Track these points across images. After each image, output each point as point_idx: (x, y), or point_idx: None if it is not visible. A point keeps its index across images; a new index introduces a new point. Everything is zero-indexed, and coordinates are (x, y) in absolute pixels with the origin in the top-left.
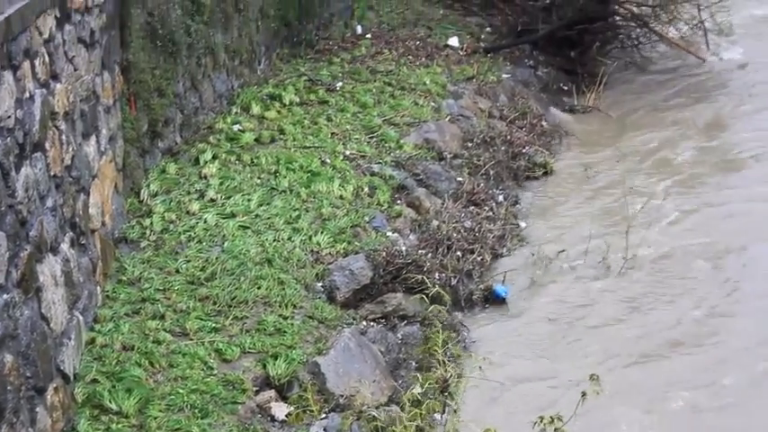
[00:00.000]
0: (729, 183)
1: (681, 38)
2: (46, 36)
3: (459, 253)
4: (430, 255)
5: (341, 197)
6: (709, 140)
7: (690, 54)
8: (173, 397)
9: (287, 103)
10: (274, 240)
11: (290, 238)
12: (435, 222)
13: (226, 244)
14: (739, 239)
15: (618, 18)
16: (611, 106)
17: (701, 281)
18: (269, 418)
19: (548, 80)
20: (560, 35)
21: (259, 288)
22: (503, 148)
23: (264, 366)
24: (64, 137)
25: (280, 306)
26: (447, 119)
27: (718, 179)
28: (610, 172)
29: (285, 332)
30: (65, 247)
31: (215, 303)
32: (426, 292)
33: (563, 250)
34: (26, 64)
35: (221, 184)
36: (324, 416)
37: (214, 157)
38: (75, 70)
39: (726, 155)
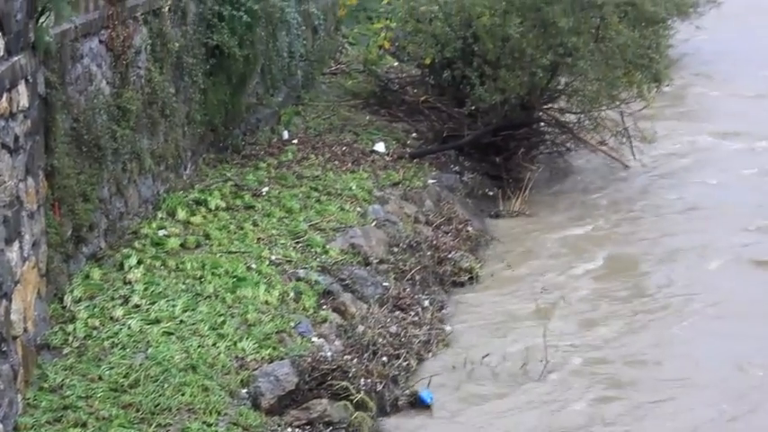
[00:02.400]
0: (646, 285)
1: (604, 143)
2: None
3: (384, 358)
4: (355, 360)
5: (266, 302)
6: (627, 246)
7: (614, 160)
8: None
9: (213, 208)
10: (199, 346)
11: (214, 344)
12: (361, 327)
13: (150, 350)
14: (654, 349)
15: (542, 124)
16: (538, 211)
17: (620, 384)
18: None
19: (473, 185)
20: (486, 141)
21: (183, 395)
22: (429, 253)
23: None
24: None
25: (204, 413)
26: (373, 224)
27: (636, 281)
28: (534, 276)
29: None
30: None
31: (138, 411)
32: (351, 398)
33: (487, 354)
34: None
35: (146, 289)
36: None
37: (139, 263)
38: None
39: (643, 260)
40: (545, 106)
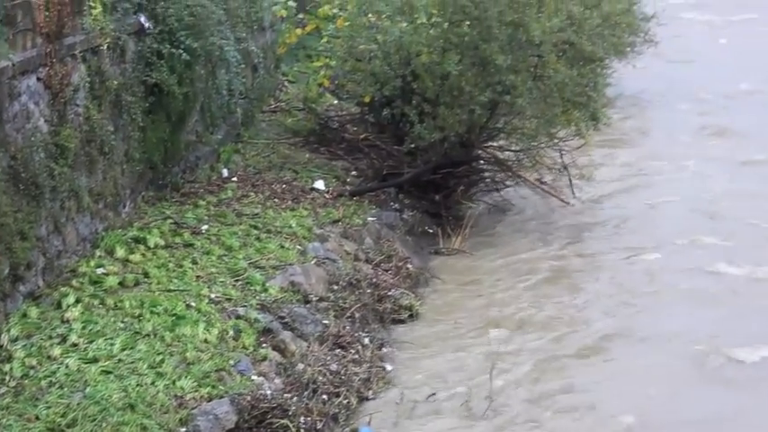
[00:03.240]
0: (586, 318)
1: (541, 180)
2: None
3: (324, 396)
4: (295, 398)
5: (206, 341)
6: (565, 280)
7: (553, 197)
8: None
9: (152, 247)
10: (137, 385)
11: (153, 383)
12: (301, 365)
13: (88, 389)
14: (592, 393)
15: (482, 162)
16: (477, 248)
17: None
18: None
19: (413, 223)
20: (426, 179)
21: None
22: (369, 290)
23: None
24: None
25: None
26: (313, 262)
27: (576, 315)
28: (475, 314)
29: None
30: None
31: None
32: None
33: (433, 394)
34: None
35: (84, 328)
36: None
37: (77, 301)
38: None
39: (583, 295)
40: (484, 144)
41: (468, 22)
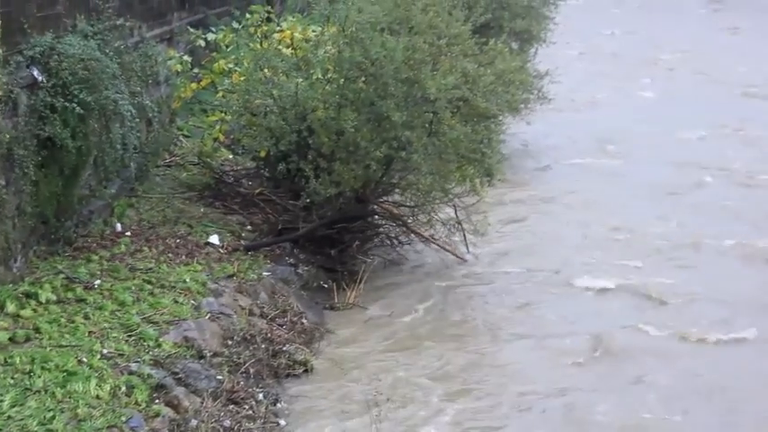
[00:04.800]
0: (475, 378)
1: (433, 237)
2: None
3: None
4: None
5: (98, 397)
6: (457, 337)
7: (448, 252)
8: None
9: (43, 302)
10: None
11: None
12: (194, 422)
13: None
14: None
15: (377, 217)
16: (372, 303)
17: None
18: None
19: (309, 278)
20: (321, 234)
21: None
22: (263, 345)
23: None
24: None
25: None
26: (207, 317)
27: (466, 373)
28: (369, 368)
29: None
30: None
31: None
32: None
33: None
34: None
35: None
36: None
37: None
38: None
39: (472, 351)
40: (380, 199)
41: (363, 79)
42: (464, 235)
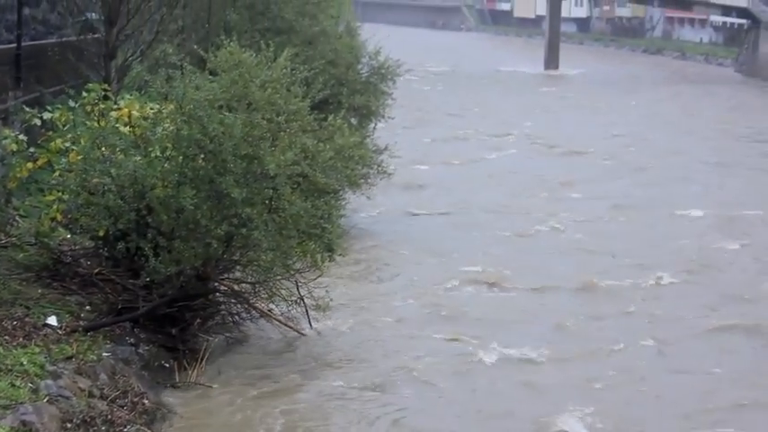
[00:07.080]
0: None
1: (275, 312)
2: None
3: None
4: None
5: None
6: (302, 412)
7: (290, 329)
8: None
9: None
10: None
11: None
12: None
13: None
14: None
15: (219, 295)
16: (214, 380)
17: None
18: None
19: (150, 357)
20: (162, 312)
21: None
22: (103, 428)
23: None
24: None
25: None
26: (45, 400)
27: None
28: None
29: None
30: None
31: None
32: None
33: None
34: None
35: None
36: None
37: None
38: None
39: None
40: (221, 276)
41: (203, 156)
42: (306, 310)
